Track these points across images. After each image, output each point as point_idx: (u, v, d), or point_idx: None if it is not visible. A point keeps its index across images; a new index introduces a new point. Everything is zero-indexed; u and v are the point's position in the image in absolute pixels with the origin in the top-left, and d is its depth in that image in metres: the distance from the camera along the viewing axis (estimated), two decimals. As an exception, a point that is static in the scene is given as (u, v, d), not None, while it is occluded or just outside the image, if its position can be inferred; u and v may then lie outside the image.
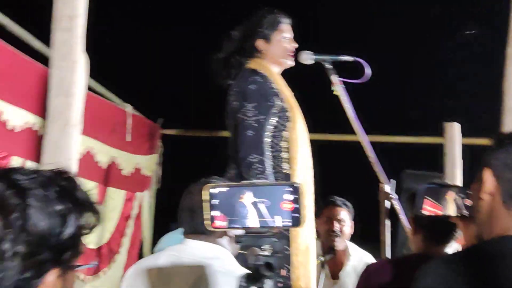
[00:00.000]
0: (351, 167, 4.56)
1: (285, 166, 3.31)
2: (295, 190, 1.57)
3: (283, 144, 3.34)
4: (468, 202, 2.18)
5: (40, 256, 1.16)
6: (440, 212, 2.21)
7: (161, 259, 2.50)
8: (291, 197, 1.57)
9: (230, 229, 1.62)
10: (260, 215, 1.59)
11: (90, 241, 4.80)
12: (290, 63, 3.50)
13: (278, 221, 1.58)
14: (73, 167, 2.53)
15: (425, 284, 1.73)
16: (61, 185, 1.24)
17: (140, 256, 5.42)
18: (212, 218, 1.61)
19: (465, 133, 4.57)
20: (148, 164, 5.57)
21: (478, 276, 1.68)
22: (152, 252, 4.81)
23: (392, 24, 5.53)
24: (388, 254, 3.37)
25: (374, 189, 3.50)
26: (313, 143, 3.59)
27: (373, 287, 2.59)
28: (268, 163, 3.21)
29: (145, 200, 5.58)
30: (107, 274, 5.04)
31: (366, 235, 4.26)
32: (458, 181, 4.47)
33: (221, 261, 2.39)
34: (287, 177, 3.31)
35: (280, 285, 1.59)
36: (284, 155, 3.33)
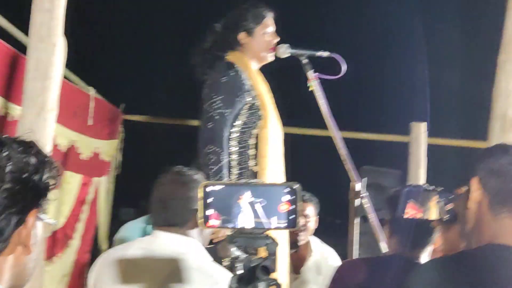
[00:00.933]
0: (325, 162, 4.56)
1: (251, 163, 3.28)
2: (293, 191, 1.53)
3: (252, 141, 3.31)
4: (450, 206, 2.19)
5: (24, 194, 1.30)
6: (420, 216, 2.21)
7: (131, 251, 2.43)
8: (289, 197, 1.53)
9: (224, 228, 1.57)
10: (256, 215, 1.54)
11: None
12: (271, 58, 3.48)
13: (274, 223, 1.54)
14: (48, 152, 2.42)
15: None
16: (32, 145, 1.37)
17: (95, 241, 5.34)
18: (207, 217, 1.56)
19: (430, 133, 4.61)
20: (108, 149, 5.45)
21: (468, 283, 1.69)
22: (110, 239, 4.73)
23: (365, 23, 5.55)
24: (354, 253, 3.37)
25: (345, 185, 3.48)
26: (286, 136, 3.56)
27: (348, 285, 2.57)
28: (224, 157, 3.18)
29: (102, 185, 5.46)
30: (61, 259, 4.94)
31: (334, 232, 4.28)
32: (422, 180, 4.52)
33: (193, 255, 2.35)
34: (253, 174, 3.29)
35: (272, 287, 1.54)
36: (251, 152, 3.30)
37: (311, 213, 4.21)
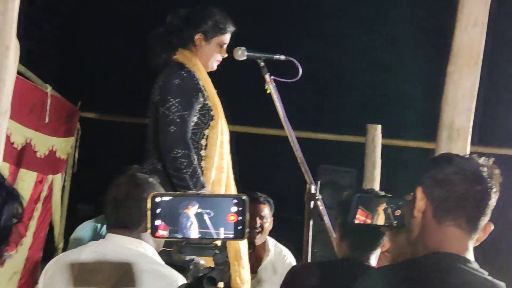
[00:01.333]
0: (280, 163, 4.59)
1: (203, 164, 3.29)
2: (241, 202, 1.56)
3: (203, 142, 3.31)
4: (398, 213, 2.23)
5: None
6: (369, 221, 2.24)
7: (84, 254, 2.43)
8: (236, 209, 1.55)
9: (171, 239, 1.58)
10: (203, 226, 1.56)
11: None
12: (214, 68, 3.49)
13: (221, 233, 1.56)
14: (0, 156, 2.40)
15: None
16: None
17: (49, 240, 5.29)
18: (155, 227, 1.57)
19: (385, 135, 4.68)
20: (64, 146, 5.40)
21: None
22: (68, 237, 4.69)
23: (321, 24, 5.59)
24: (309, 254, 3.41)
25: (300, 187, 3.52)
26: (242, 136, 3.58)
27: (299, 288, 2.61)
28: (194, 157, 3.18)
29: (57, 183, 5.41)
30: (13, 258, 4.88)
31: (288, 234, 4.31)
32: (377, 181, 4.59)
33: (146, 258, 2.35)
34: (204, 175, 3.29)
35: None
36: (203, 153, 3.31)
37: (266, 214, 4.25)
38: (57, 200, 5.43)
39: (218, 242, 1.59)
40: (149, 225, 1.57)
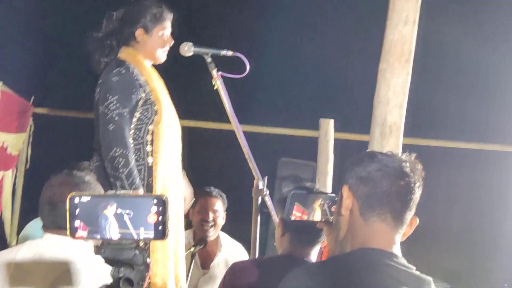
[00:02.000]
0: (229, 158, 4.59)
1: (149, 160, 3.27)
2: (161, 202, 1.54)
3: (149, 137, 3.29)
4: (335, 208, 2.24)
5: None
6: (305, 218, 2.26)
7: (20, 254, 2.39)
8: (156, 209, 1.54)
9: (90, 239, 1.57)
10: (122, 226, 1.54)
11: None
12: (163, 58, 3.45)
13: (142, 233, 1.55)
14: None
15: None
16: None
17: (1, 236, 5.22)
18: (75, 228, 1.55)
19: (338, 128, 4.71)
20: (15, 142, 5.33)
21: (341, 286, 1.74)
22: (17, 238, 4.63)
23: (275, 20, 5.59)
24: (257, 249, 3.42)
25: (248, 182, 3.52)
26: (194, 131, 3.57)
27: (238, 286, 2.61)
28: (132, 157, 3.16)
29: (7, 179, 5.34)
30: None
31: (238, 230, 4.31)
32: (330, 174, 4.61)
33: (82, 258, 2.33)
34: (151, 170, 3.27)
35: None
36: (149, 148, 3.28)
37: (220, 209, 4.24)
38: (8, 196, 5.36)
39: (139, 243, 1.57)
40: (68, 225, 1.55)
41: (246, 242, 3.81)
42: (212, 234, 4.21)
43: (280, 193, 6.21)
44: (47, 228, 2.41)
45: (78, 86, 5.61)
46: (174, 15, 3.48)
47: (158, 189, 3.22)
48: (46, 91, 5.62)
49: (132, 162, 3.14)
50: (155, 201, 1.54)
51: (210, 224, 4.18)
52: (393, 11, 2.55)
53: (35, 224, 4.01)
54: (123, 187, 3.06)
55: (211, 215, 4.19)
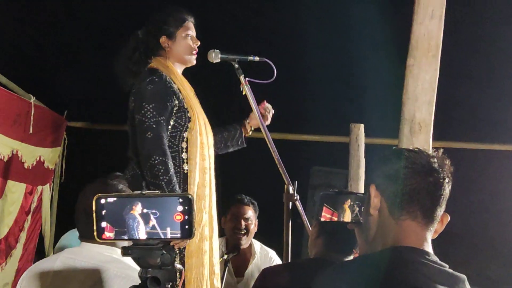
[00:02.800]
0: (260, 165, 4.59)
1: (185, 167, 3.28)
2: (186, 201, 1.55)
3: (184, 144, 3.31)
4: (364, 209, 2.22)
5: None
6: (335, 219, 2.24)
7: (57, 262, 2.42)
8: (182, 208, 1.55)
9: (118, 240, 1.57)
10: (149, 226, 1.55)
11: (-13, 236, 4.65)
12: (193, 61, 3.47)
13: (168, 233, 1.55)
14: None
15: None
16: None
17: (39, 251, 5.29)
18: (102, 229, 1.56)
19: (369, 133, 4.68)
20: (52, 156, 5.41)
21: (367, 286, 1.71)
22: (53, 249, 4.70)
23: (299, 24, 5.59)
24: (289, 255, 3.40)
25: (279, 189, 3.52)
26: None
27: (269, 291, 2.60)
28: (171, 164, 3.17)
29: (46, 193, 5.42)
30: (4, 269, 4.89)
31: (270, 236, 4.31)
32: (362, 179, 4.57)
33: (119, 264, 2.34)
34: (186, 177, 3.28)
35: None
36: (184, 155, 3.30)
37: (251, 216, 4.24)
38: (47, 210, 5.44)
39: (166, 243, 1.58)
40: (95, 227, 1.56)
41: (279, 249, 3.80)
42: (245, 242, 4.22)
43: (313, 201, 6.20)
44: (83, 237, 2.43)
45: (110, 99, 5.68)
46: (200, 22, 3.51)
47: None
48: (78, 105, 5.69)
49: (172, 169, 3.15)
50: (180, 200, 1.55)
51: (243, 232, 4.20)
52: (419, 6, 2.54)
53: (71, 236, 4.06)
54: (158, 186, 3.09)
55: (243, 223, 4.20)
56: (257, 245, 4.33)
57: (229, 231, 4.23)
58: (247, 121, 3.66)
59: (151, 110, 3.20)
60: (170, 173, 3.13)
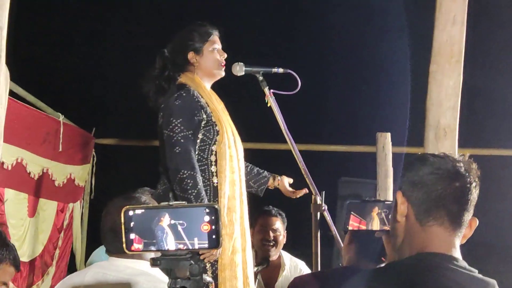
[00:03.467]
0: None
1: (215, 180, 3.30)
2: (213, 211, 1.56)
3: (213, 158, 3.32)
4: (392, 216, 2.21)
5: None
6: (363, 227, 2.24)
7: (87, 277, 2.45)
8: (209, 218, 1.56)
9: (146, 252, 1.59)
10: (177, 237, 1.56)
11: (23, 253, 4.71)
12: (222, 73, 3.49)
13: (196, 243, 1.56)
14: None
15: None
16: None
17: (71, 268, 5.34)
18: (131, 241, 1.58)
19: (396, 142, 4.67)
20: (81, 174, 5.48)
21: None
22: (85, 265, 4.74)
23: (325, 35, 5.60)
24: (319, 266, 3.39)
25: (306, 200, 3.52)
26: (247, 152, 3.59)
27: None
28: (199, 178, 3.19)
29: (77, 210, 5.49)
30: (40, 287, 4.95)
31: (298, 246, 4.30)
32: (390, 189, 4.55)
33: (148, 277, 2.36)
34: (216, 190, 3.29)
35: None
36: (213, 168, 3.31)
37: (280, 227, 4.24)
38: (78, 227, 5.51)
39: (194, 253, 1.59)
40: (123, 239, 1.58)
41: (309, 260, 3.79)
42: (274, 253, 4.21)
43: (341, 212, 6.17)
44: (111, 253, 2.46)
45: (137, 115, 5.74)
46: (224, 35, 3.54)
47: (222, 209, 3.24)
48: (106, 122, 5.77)
49: (200, 183, 3.17)
50: (207, 210, 1.56)
51: (271, 244, 4.19)
52: (440, 12, 2.54)
53: (101, 251, 4.10)
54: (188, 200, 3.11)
55: (271, 234, 4.20)
56: (287, 256, 4.31)
57: (257, 243, 4.22)
58: (279, 179, 3.66)
59: (179, 125, 3.22)
60: (199, 186, 3.15)
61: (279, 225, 4.24)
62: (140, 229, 1.58)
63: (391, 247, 1.92)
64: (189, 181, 3.14)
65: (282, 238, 4.25)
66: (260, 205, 4.29)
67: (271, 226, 4.22)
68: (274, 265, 4.24)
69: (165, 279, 2.37)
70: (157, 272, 2.39)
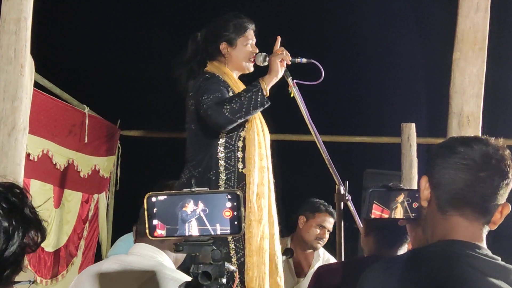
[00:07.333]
0: (310, 167, 4.61)
1: (240, 165, 3.30)
2: (234, 197, 1.57)
3: (240, 143, 3.33)
4: (416, 205, 2.20)
5: None
6: (387, 216, 2.22)
7: (108, 264, 2.47)
8: (231, 204, 1.57)
9: (170, 238, 1.61)
10: (200, 223, 1.58)
11: (48, 244, 4.77)
12: (251, 68, 3.47)
13: (218, 229, 1.57)
14: (20, 172, 2.49)
15: (364, 289, 1.75)
16: (10, 201, 1.21)
17: (98, 258, 5.40)
18: (153, 227, 1.59)
19: (420, 133, 4.63)
20: (106, 165, 5.52)
21: (415, 280, 1.69)
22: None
23: (348, 25, 5.57)
24: (342, 255, 3.39)
25: (330, 190, 3.51)
26: (271, 143, 3.59)
27: (324, 288, 2.61)
28: (239, 99, 3.21)
29: (102, 201, 5.54)
30: (65, 277, 5.00)
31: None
32: (415, 180, 4.52)
33: (166, 268, 2.38)
34: (241, 176, 3.29)
35: (220, 293, 1.58)
36: (239, 154, 3.31)
37: (331, 227, 4.29)
38: (103, 218, 5.56)
39: (217, 239, 1.60)
40: (146, 225, 1.59)
41: (333, 250, 3.80)
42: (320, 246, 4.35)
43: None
44: (140, 236, 2.47)
45: (162, 107, 5.77)
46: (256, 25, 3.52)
47: (252, 195, 3.24)
48: (131, 114, 5.80)
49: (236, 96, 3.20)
50: (229, 196, 1.57)
51: (323, 241, 4.27)
52: (464, -1, 2.52)
53: (125, 239, 4.14)
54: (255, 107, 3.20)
55: (327, 234, 4.27)
56: (321, 249, 4.39)
57: (311, 236, 4.28)
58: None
59: (209, 95, 3.21)
60: (240, 98, 3.18)
61: (332, 224, 4.28)
62: (163, 215, 1.59)
63: (418, 234, 1.92)
64: (233, 105, 3.16)
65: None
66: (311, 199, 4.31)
67: (328, 227, 4.30)
68: (308, 255, 4.34)
69: (183, 277, 2.38)
70: (172, 266, 2.41)
